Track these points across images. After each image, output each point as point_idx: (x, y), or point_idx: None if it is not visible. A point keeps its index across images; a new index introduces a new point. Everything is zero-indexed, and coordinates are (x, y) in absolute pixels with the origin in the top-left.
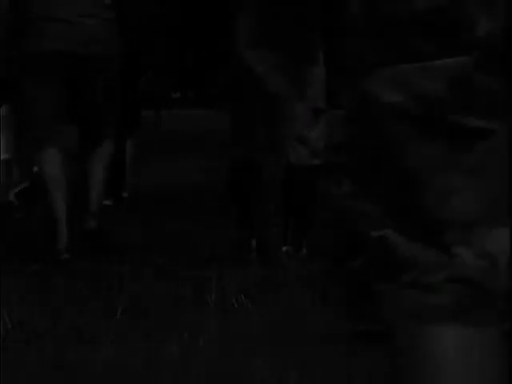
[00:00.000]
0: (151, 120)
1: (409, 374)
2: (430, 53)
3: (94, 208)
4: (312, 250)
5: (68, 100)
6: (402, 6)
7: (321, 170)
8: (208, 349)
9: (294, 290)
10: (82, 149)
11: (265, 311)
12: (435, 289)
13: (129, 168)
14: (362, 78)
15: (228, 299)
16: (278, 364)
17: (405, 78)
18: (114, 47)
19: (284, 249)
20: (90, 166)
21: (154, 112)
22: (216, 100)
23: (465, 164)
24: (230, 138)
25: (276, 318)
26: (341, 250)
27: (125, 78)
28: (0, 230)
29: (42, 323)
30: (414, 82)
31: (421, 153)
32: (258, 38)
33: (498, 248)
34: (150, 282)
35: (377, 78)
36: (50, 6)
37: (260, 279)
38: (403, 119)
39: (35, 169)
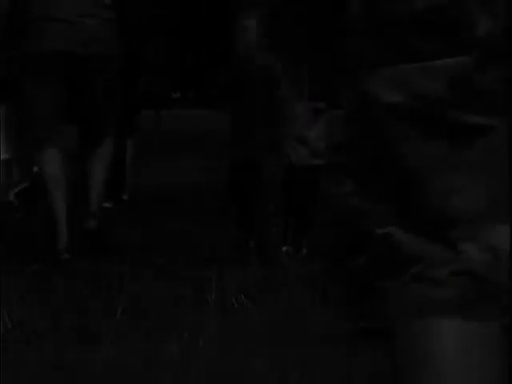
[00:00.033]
0: (151, 120)
1: (409, 373)
2: (429, 53)
3: (94, 208)
4: (312, 249)
5: (68, 100)
6: (402, 5)
7: (321, 170)
8: (208, 349)
9: (294, 290)
10: (82, 149)
11: (265, 311)
12: (440, 283)
13: (129, 168)
14: (362, 78)
15: (228, 299)
16: (278, 364)
17: (405, 77)
18: (113, 47)
19: (284, 249)
20: (90, 165)
21: (154, 112)
22: (216, 100)
23: (465, 161)
24: (230, 137)
25: (276, 318)
26: (341, 250)
27: (125, 78)
28: (0, 230)
29: (42, 323)
30: (414, 81)
31: (421, 152)
32: (272, 38)
33: (501, 243)
34: (149, 282)
35: (377, 78)
36: (50, 5)
37: (260, 279)
38: (403, 119)
39: (35, 169)
